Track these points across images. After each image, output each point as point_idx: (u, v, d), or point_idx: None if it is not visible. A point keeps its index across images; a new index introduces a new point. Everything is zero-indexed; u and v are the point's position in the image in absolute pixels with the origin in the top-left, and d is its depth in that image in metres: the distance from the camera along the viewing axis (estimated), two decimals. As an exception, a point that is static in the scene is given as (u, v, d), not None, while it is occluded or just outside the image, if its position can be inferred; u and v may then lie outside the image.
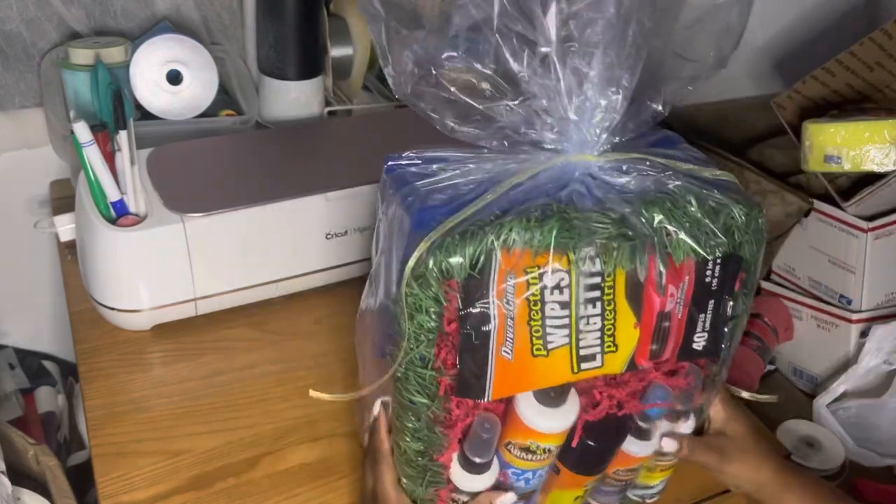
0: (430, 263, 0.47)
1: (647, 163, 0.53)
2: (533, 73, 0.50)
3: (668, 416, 0.60)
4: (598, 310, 0.51)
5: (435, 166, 0.52)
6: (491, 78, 0.50)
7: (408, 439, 0.55)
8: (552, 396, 0.53)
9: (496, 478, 0.57)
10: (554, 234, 0.48)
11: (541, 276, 0.49)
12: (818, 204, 0.95)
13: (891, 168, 0.87)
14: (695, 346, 0.55)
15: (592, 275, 0.50)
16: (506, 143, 0.52)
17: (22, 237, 1.05)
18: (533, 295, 0.49)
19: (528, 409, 0.53)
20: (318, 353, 0.81)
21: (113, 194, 0.77)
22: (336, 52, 1.03)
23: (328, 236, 0.82)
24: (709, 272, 0.54)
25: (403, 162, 0.53)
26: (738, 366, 0.90)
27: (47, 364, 1.15)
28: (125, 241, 0.75)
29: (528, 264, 0.48)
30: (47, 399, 1.09)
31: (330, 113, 1.04)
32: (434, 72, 0.51)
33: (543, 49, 0.49)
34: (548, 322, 0.50)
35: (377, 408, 0.60)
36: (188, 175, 0.82)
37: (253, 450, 0.72)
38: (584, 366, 0.52)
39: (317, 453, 0.72)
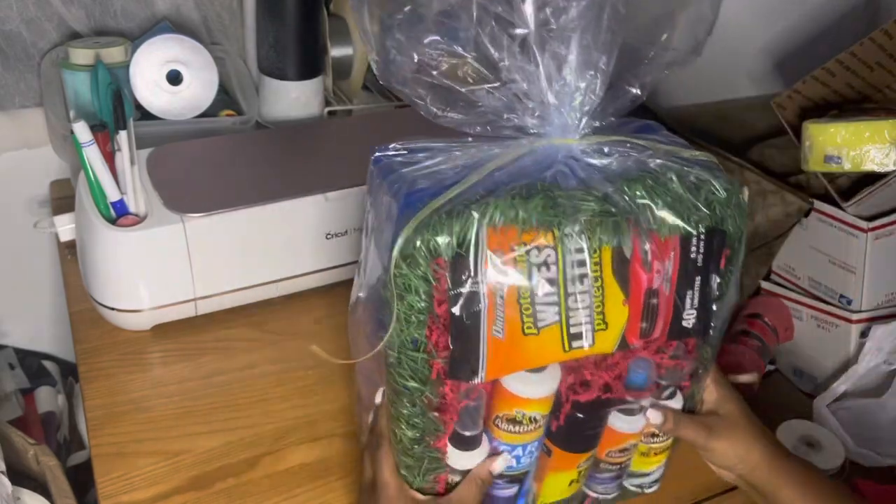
0: (418, 242, 0.48)
1: (628, 145, 0.54)
2: (512, 58, 0.51)
3: (653, 392, 0.60)
4: (585, 286, 0.51)
5: (421, 155, 0.54)
6: (471, 63, 0.51)
7: (403, 426, 0.55)
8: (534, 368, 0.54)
9: (487, 455, 0.58)
10: (538, 210, 0.49)
11: (527, 253, 0.50)
12: (818, 204, 0.95)
13: (891, 168, 0.87)
14: (684, 323, 0.55)
15: (578, 251, 0.51)
16: (489, 128, 0.54)
17: (22, 237, 1.05)
18: (521, 272, 0.50)
19: (511, 379, 0.54)
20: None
21: (113, 194, 0.77)
22: (336, 52, 1.03)
23: (328, 236, 0.82)
24: (693, 248, 0.55)
25: (390, 153, 0.54)
26: (738, 365, 0.90)
27: (47, 364, 1.15)
28: (125, 241, 0.75)
29: (514, 242, 0.49)
30: (47, 399, 1.09)
31: (330, 113, 1.04)
32: (417, 58, 0.52)
33: (520, 31, 0.50)
34: (537, 301, 0.50)
35: (380, 396, 0.60)
36: (188, 175, 0.82)
37: (253, 450, 0.72)
38: (574, 344, 0.52)
39: (317, 453, 0.72)
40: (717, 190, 0.54)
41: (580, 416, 0.57)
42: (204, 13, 1.02)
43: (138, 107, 0.92)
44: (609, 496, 0.66)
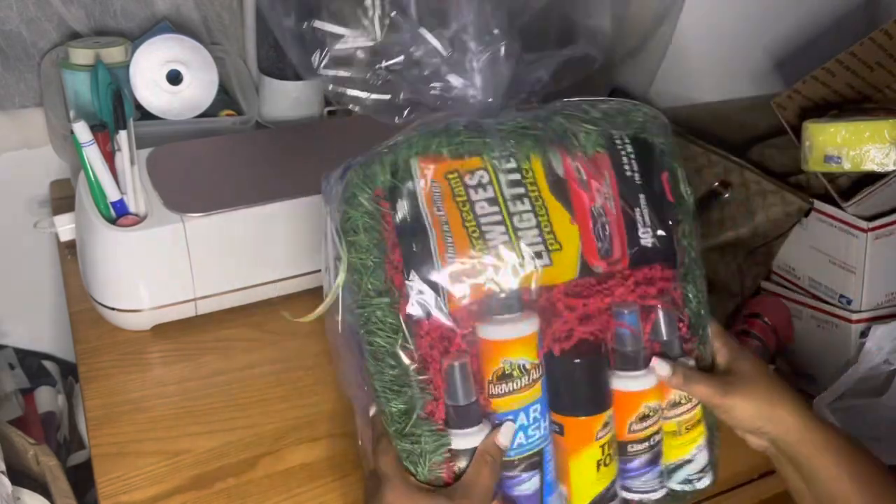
0: (354, 179, 0.52)
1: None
2: (415, 45, 0.55)
3: (651, 349, 0.59)
4: (527, 206, 0.53)
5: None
6: (371, 49, 0.55)
7: (390, 398, 0.53)
8: (506, 306, 0.53)
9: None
10: (463, 138, 0.53)
11: (460, 176, 0.52)
12: (818, 204, 0.95)
13: (891, 168, 0.87)
14: (643, 241, 0.56)
15: (510, 171, 0.54)
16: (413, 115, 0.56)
17: (22, 237, 1.05)
18: (459, 196, 0.52)
19: (488, 327, 0.53)
20: (317, 352, 0.81)
21: (113, 194, 0.77)
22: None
23: (328, 236, 0.82)
24: (626, 165, 0.57)
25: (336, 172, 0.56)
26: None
27: (47, 364, 1.15)
28: (125, 241, 0.75)
29: (446, 169, 0.52)
30: (47, 399, 1.09)
31: (330, 113, 1.04)
32: (329, 53, 0.55)
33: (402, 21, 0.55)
34: (482, 220, 0.52)
35: (373, 409, 0.60)
36: (188, 175, 0.82)
37: (252, 450, 0.72)
38: (532, 263, 0.53)
39: (316, 453, 0.72)
40: (638, 113, 0.59)
41: (575, 362, 0.55)
42: (204, 13, 1.02)
43: (138, 107, 0.92)
44: (654, 495, 0.60)
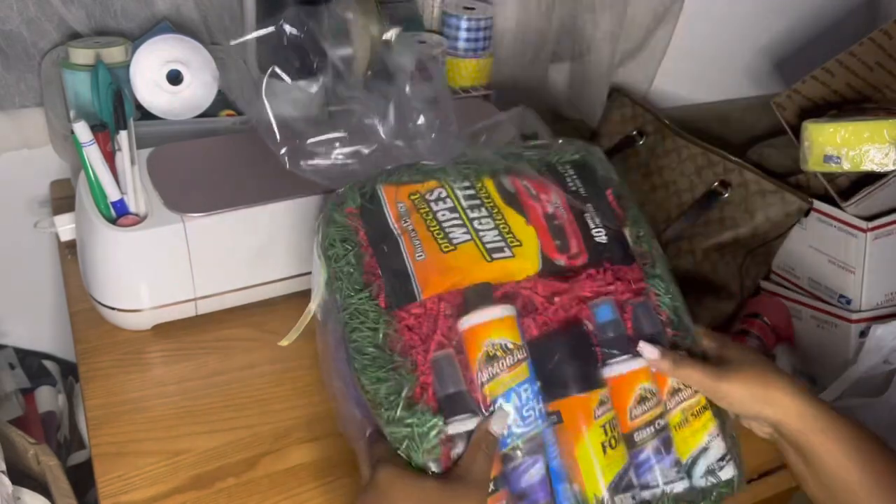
0: (330, 205, 0.61)
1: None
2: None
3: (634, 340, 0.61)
4: (484, 213, 0.60)
5: None
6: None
7: (378, 386, 0.55)
8: (480, 296, 0.57)
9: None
10: (420, 167, 0.62)
11: (422, 195, 0.61)
12: (818, 204, 0.95)
13: (890, 168, 0.87)
14: (597, 238, 0.62)
15: (465, 188, 0.61)
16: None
17: (22, 237, 1.05)
18: (422, 209, 0.60)
19: (467, 318, 0.57)
20: (317, 352, 0.81)
21: (113, 194, 0.77)
22: (336, 52, 1.04)
23: (328, 236, 0.82)
24: (570, 182, 0.66)
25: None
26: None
27: (47, 364, 1.15)
28: (125, 240, 0.75)
29: (408, 191, 0.61)
30: (47, 399, 1.09)
31: (330, 114, 1.04)
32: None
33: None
34: (444, 224, 0.59)
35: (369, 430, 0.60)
36: (188, 175, 0.82)
37: (253, 450, 0.72)
38: (496, 256, 0.59)
39: (317, 453, 0.72)
40: (572, 145, 0.68)
41: (558, 340, 0.58)
42: (204, 13, 1.02)
43: (138, 107, 0.92)
44: (675, 487, 0.59)
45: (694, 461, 0.60)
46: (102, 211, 0.77)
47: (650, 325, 0.62)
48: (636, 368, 0.60)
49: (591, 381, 0.59)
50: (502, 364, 0.55)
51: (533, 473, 0.55)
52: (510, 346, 0.56)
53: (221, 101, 0.97)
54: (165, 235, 0.75)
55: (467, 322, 0.57)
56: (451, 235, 0.58)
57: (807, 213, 0.98)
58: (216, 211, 0.77)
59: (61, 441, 1.07)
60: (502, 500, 0.54)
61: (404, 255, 0.58)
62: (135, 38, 0.96)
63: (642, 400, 0.59)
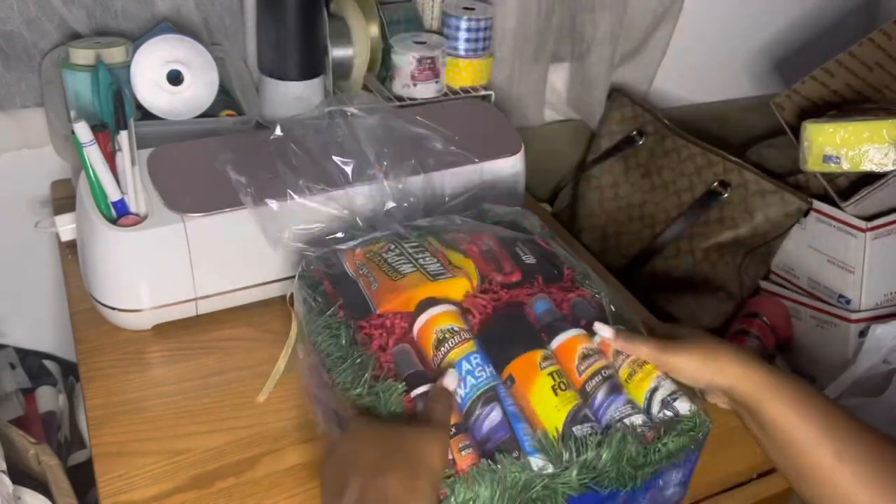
0: (300, 268, 0.73)
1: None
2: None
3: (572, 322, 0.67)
4: (428, 254, 0.71)
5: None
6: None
7: (346, 375, 0.63)
8: (428, 305, 0.66)
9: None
10: (375, 239, 0.74)
11: (375, 252, 0.72)
12: (817, 204, 0.95)
13: (889, 168, 0.87)
14: (526, 260, 0.73)
15: (411, 243, 0.73)
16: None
17: (22, 237, 1.05)
18: (375, 259, 0.71)
19: (417, 321, 0.66)
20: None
21: (113, 194, 0.77)
22: (336, 52, 1.04)
23: (328, 236, 0.82)
24: (499, 232, 0.76)
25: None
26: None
27: (48, 364, 1.16)
28: (125, 240, 0.75)
29: (364, 252, 0.73)
30: (48, 399, 1.09)
31: (330, 114, 1.04)
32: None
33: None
34: (391, 261, 0.70)
35: None
36: (188, 175, 0.82)
37: (253, 449, 0.72)
38: (439, 277, 0.68)
39: (317, 453, 0.72)
40: (503, 211, 0.81)
41: (500, 315, 0.67)
42: (204, 14, 1.03)
43: (139, 107, 0.92)
44: (633, 419, 0.61)
45: (648, 401, 0.63)
46: (103, 211, 0.77)
47: (590, 313, 0.68)
48: (576, 335, 0.65)
49: (533, 342, 0.64)
50: (451, 343, 0.63)
51: (492, 418, 0.59)
52: (456, 328, 0.64)
53: (222, 102, 0.97)
54: (166, 235, 0.75)
55: (418, 324, 0.65)
56: (399, 269, 0.69)
57: (806, 213, 0.98)
58: (216, 211, 0.77)
59: (62, 441, 1.07)
60: (465, 441, 0.58)
61: (362, 288, 0.69)
62: (135, 39, 0.96)
63: (585, 356, 0.63)
